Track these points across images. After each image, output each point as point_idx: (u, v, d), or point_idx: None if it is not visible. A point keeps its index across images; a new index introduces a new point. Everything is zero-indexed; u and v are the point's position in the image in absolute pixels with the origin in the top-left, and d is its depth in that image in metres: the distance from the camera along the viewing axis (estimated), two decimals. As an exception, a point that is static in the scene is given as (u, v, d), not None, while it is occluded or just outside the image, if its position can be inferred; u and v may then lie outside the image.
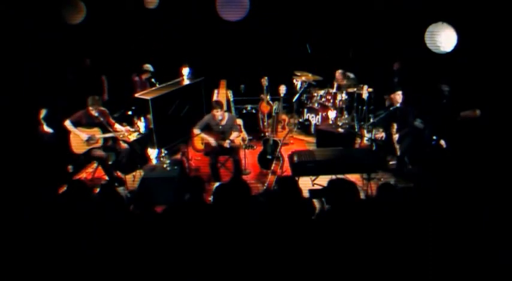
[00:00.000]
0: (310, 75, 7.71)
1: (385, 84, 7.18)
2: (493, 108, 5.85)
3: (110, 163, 6.04)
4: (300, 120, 8.04)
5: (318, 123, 7.65)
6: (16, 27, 6.04)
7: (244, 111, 7.81)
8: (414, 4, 6.73)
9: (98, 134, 5.83)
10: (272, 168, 6.15)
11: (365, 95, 7.20)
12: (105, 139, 5.91)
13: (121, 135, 5.94)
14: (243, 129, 6.72)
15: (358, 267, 2.81)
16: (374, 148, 6.27)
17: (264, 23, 7.93)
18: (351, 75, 7.66)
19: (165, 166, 5.77)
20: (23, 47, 6.17)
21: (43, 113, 6.02)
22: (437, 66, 6.65)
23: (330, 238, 2.94)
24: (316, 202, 3.60)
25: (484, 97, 5.98)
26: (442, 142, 5.92)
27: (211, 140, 5.96)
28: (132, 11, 7.44)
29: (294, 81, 7.89)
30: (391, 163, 6.39)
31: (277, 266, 2.82)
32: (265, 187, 5.97)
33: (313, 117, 7.79)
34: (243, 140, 6.28)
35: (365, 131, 7.13)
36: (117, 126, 5.99)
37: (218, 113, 5.91)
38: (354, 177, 5.46)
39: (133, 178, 6.17)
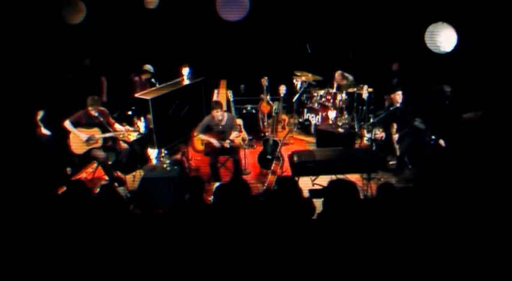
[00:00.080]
0: (310, 75, 7.71)
1: (385, 84, 7.18)
2: (493, 108, 5.85)
3: (110, 163, 6.04)
4: (300, 120, 8.04)
5: (318, 123, 7.65)
6: (16, 27, 6.04)
7: (244, 111, 7.80)
8: (414, 4, 6.73)
9: (97, 134, 5.82)
10: (272, 168, 6.15)
11: (365, 95, 7.20)
12: (105, 139, 5.90)
13: (121, 135, 5.94)
14: (243, 130, 6.71)
15: (359, 267, 2.81)
16: (374, 147, 6.27)
17: (264, 23, 7.93)
18: (350, 77, 7.65)
19: (165, 166, 5.76)
20: (22, 47, 6.15)
21: (40, 114, 5.99)
22: (437, 67, 6.65)
23: (330, 238, 2.94)
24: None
25: (484, 97, 5.98)
26: (441, 142, 5.92)
27: (214, 141, 5.95)
28: (132, 11, 7.43)
29: (294, 81, 7.89)
30: (391, 163, 6.38)
31: (277, 266, 2.82)
32: (265, 187, 5.97)
33: (313, 117, 7.79)
34: (243, 140, 6.28)
35: (365, 131, 7.13)
36: (117, 126, 5.99)
37: (218, 114, 5.91)
38: (354, 177, 5.46)
39: (133, 178, 6.17)
